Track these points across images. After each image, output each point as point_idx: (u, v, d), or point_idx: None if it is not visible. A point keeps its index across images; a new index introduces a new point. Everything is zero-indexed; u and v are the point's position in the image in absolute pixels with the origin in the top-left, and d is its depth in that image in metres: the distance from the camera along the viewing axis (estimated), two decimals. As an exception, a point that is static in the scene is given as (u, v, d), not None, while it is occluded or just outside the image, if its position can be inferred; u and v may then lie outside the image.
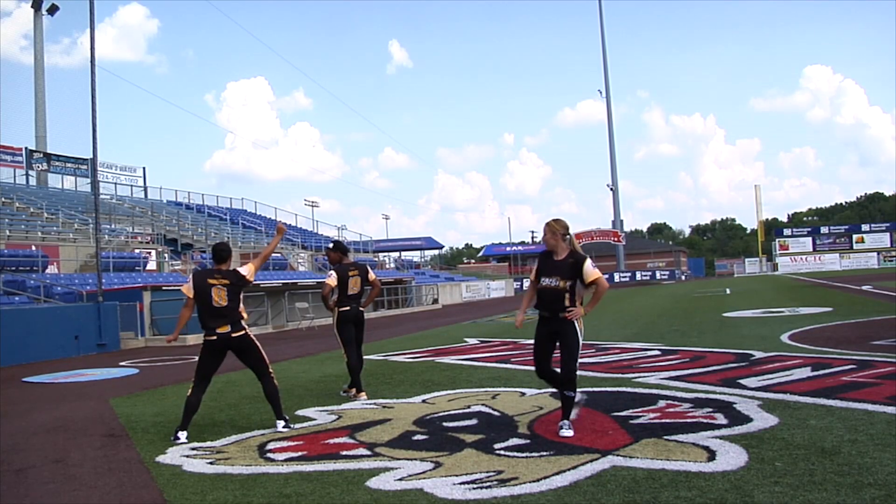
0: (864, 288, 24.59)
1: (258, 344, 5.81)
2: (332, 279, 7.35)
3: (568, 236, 5.18)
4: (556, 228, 5.15)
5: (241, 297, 5.83)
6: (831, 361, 7.72)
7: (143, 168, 40.15)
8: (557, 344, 5.10)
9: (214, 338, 5.61)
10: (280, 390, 5.90)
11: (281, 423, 5.70)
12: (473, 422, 5.63)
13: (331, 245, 7.94)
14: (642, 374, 7.57)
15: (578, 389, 5.19)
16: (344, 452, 4.87)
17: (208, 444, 5.39)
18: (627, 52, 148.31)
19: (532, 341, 5.27)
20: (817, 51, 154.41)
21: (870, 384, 6.24)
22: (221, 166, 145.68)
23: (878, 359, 7.68)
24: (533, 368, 5.27)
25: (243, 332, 5.70)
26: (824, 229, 75.53)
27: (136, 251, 25.26)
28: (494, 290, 45.91)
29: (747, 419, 5.16)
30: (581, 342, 5.04)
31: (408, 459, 4.57)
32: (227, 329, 5.62)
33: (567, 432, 4.93)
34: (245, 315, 5.82)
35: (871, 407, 5.29)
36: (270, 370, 5.85)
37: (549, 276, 5.08)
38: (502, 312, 23.83)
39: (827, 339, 9.83)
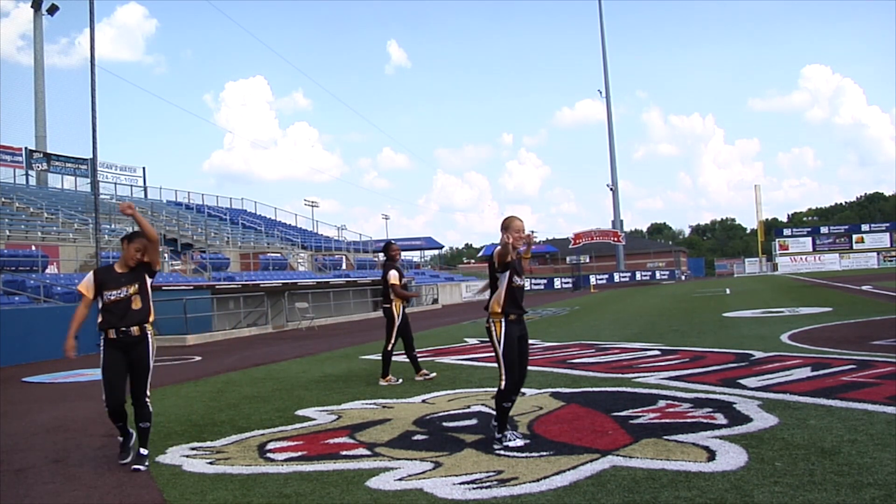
0: (863, 288, 24.59)
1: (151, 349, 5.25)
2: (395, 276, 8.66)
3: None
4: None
5: (149, 291, 5.21)
6: (831, 361, 7.72)
7: (143, 168, 40.27)
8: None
9: (113, 336, 5.02)
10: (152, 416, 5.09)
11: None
12: (473, 422, 5.64)
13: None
14: (642, 374, 7.57)
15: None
16: (344, 452, 4.87)
17: (208, 444, 5.39)
18: (626, 52, 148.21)
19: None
20: (816, 50, 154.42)
21: (870, 384, 6.24)
22: (220, 166, 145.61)
23: (878, 359, 7.68)
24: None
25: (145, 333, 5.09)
26: (824, 229, 75.45)
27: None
28: (494, 290, 45.82)
29: (747, 419, 5.16)
30: (501, 348, 4.81)
31: (408, 459, 4.57)
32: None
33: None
34: (151, 316, 5.23)
35: (870, 407, 5.29)
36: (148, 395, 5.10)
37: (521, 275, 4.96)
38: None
39: (827, 339, 9.83)
